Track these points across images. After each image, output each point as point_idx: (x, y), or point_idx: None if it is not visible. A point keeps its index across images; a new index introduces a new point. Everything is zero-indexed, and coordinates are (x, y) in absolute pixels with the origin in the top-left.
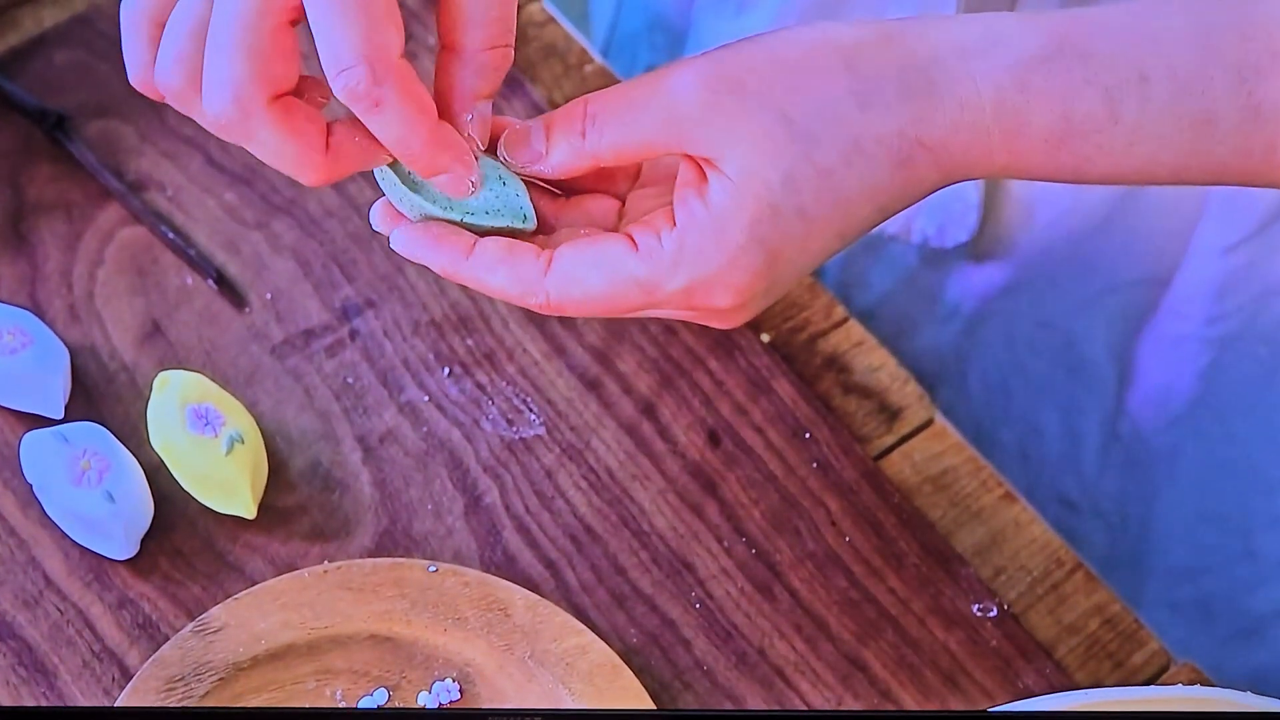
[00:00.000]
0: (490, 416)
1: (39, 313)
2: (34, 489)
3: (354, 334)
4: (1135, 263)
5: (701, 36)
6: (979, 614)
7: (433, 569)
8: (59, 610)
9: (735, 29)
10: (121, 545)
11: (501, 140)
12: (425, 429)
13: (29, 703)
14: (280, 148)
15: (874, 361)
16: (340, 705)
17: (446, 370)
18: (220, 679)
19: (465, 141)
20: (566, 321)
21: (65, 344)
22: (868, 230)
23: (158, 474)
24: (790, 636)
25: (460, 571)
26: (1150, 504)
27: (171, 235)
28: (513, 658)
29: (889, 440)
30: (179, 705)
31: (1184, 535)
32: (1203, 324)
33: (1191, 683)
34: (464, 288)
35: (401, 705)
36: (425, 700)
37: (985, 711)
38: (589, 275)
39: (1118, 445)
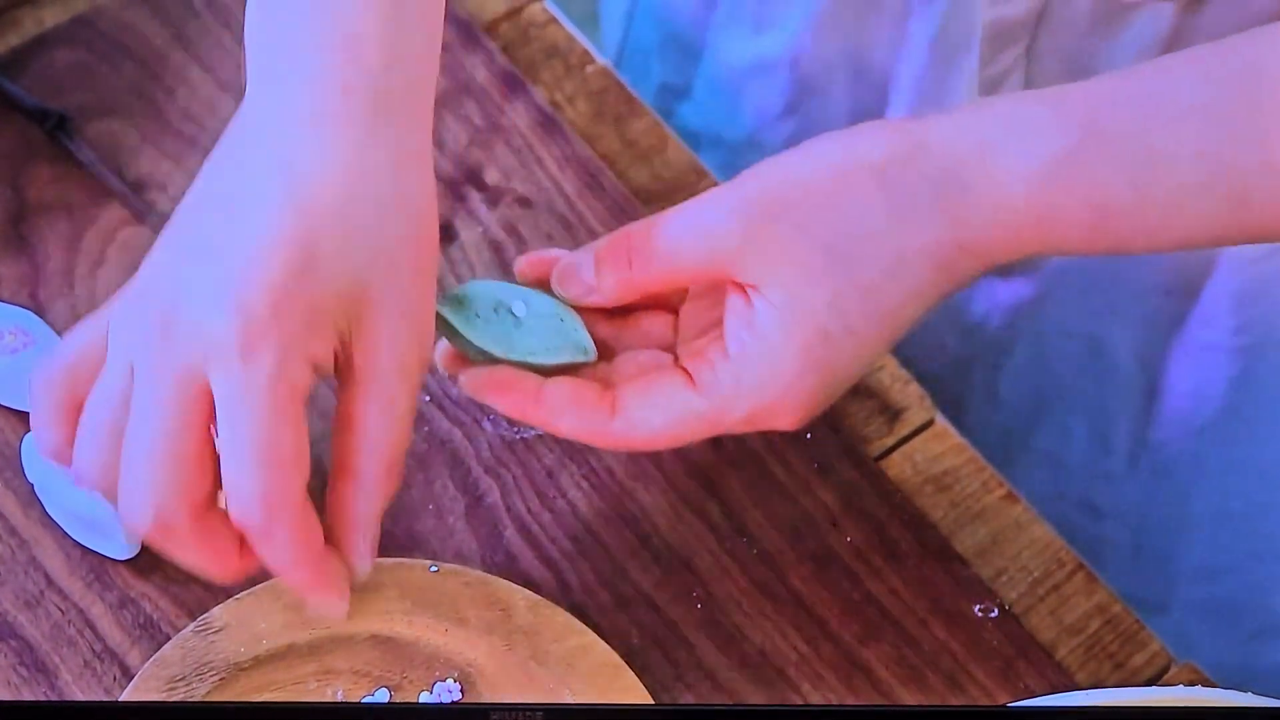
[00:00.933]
0: (491, 416)
1: (40, 313)
2: (35, 489)
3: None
4: (1163, 273)
5: (717, 55)
6: (980, 614)
7: (434, 569)
8: (60, 610)
9: (752, 49)
10: (122, 545)
11: (554, 276)
12: (426, 429)
13: None
14: (195, 558)
15: (876, 361)
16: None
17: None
18: (221, 679)
19: (344, 571)
20: None
21: None
22: (914, 325)
23: None
24: (791, 637)
25: (461, 572)
26: (1176, 507)
27: None
28: (514, 658)
29: (890, 441)
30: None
31: (1208, 537)
32: (1230, 333)
33: (1192, 683)
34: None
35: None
36: (426, 701)
37: (1005, 706)
38: (653, 416)
39: (1145, 452)
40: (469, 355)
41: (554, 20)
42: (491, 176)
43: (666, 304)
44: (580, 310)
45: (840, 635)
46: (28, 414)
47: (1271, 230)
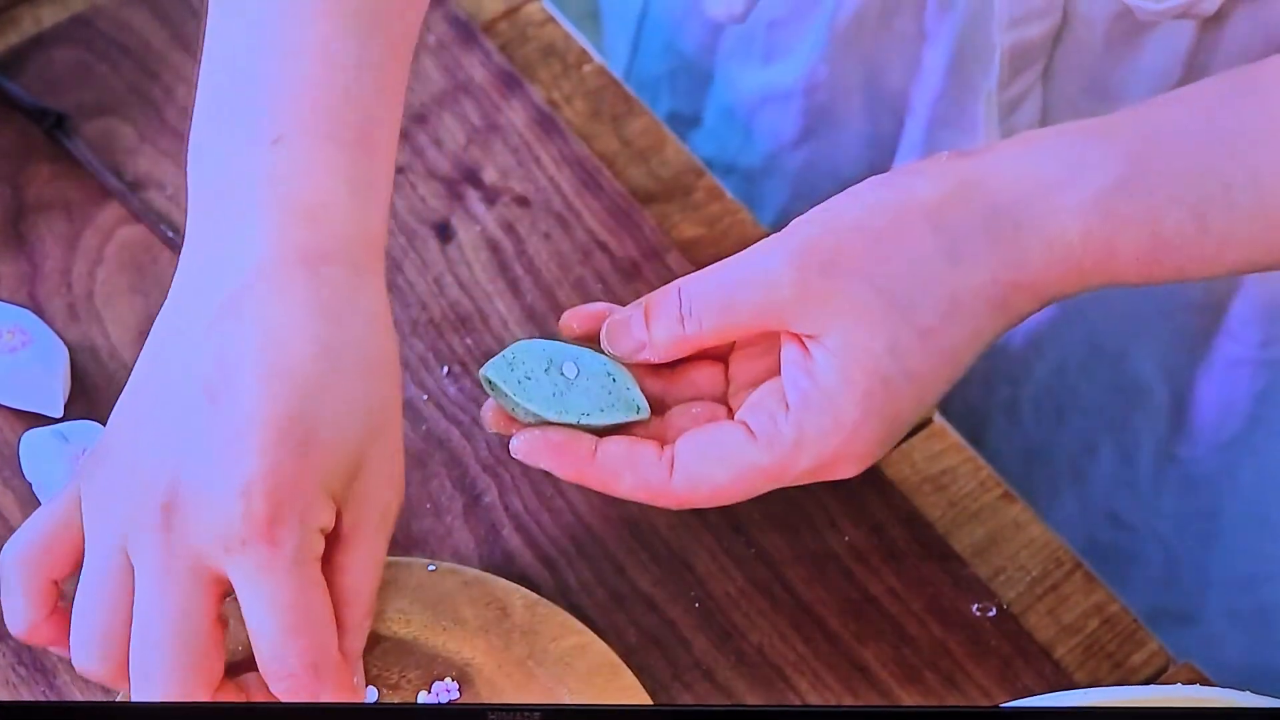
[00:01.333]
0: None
1: (39, 311)
2: (33, 488)
3: None
4: (1189, 287)
5: (728, 84)
6: (978, 614)
7: (431, 568)
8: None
9: (762, 79)
10: None
11: (603, 333)
12: (424, 428)
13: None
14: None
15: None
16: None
17: (445, 369)
18: None
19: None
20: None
21: (65, 343)
22: (972, 363)
23: None
24: (789, 636)
25: (459, 570)
26: (1208, 520)
27: (171, 234)
28: (511, 657)
29: None
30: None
31: (1243, 548)
32: (1257, 347)
33: (1190, 683)
34: (461, 286)
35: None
36: (424, 699)
37: (998, 707)
38: (714, 471)
39: (1173, 466)
40: (518, 416)
41: (552, 19)
42: (489, 175)
43: (715, 354)
44: (629, 365)
45: (838, 635)
46: (27, 413)
47: None
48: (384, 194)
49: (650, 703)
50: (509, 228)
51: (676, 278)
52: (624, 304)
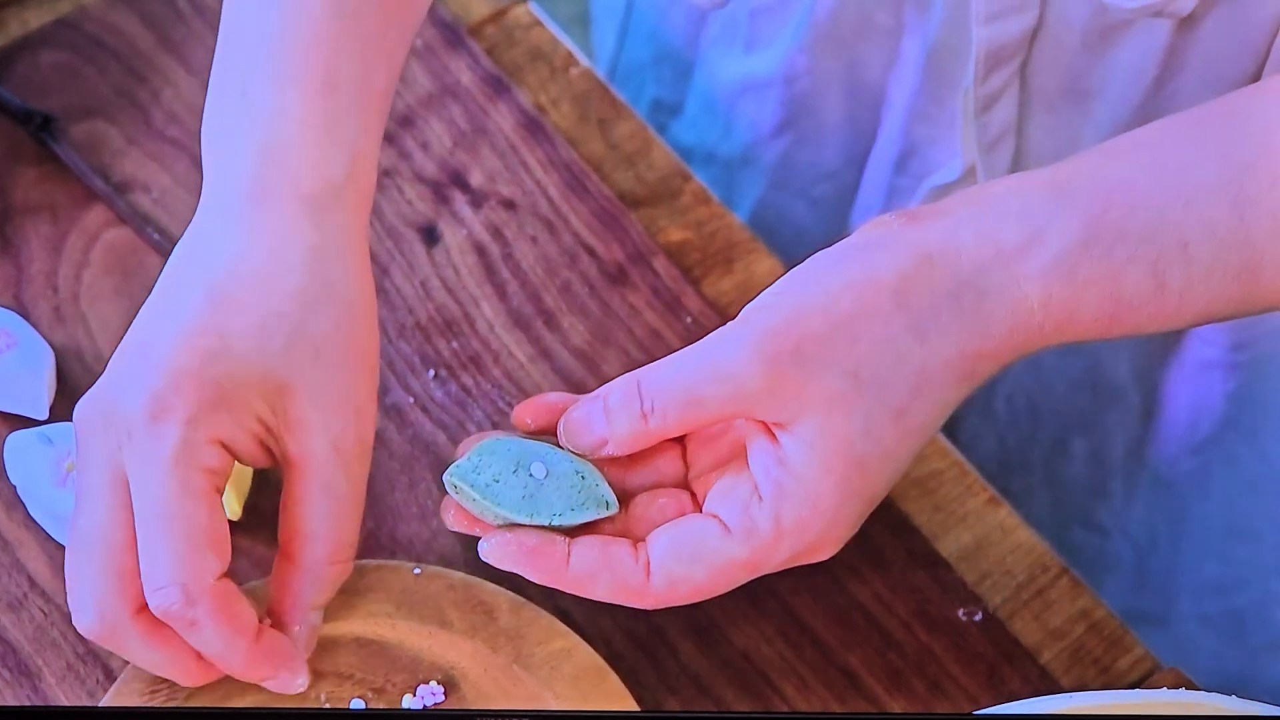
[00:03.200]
0: (475, 419)
1: (24, 314)
2: (18, 490)
3: None
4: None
5: (709, 72)
6: (964, 618)
7: (417, 571)
8: (43, 613)
9: (742, 68)
10: None
11: (561, 430)
12: (410, 431)
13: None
14: (150, 657)
15: None
16: (325, 708)
17: (432, 373)
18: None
19: (291, 646)
20: (552, 325)
21: (50, 345)
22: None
23: None
24: (776, 641)
25: (445, 574)
26: (1179, 523)
27: (157, 237)
28: (497, 661)
29: None
30: (163, 706)
31: (1214, 552)
32: (1228, 350)
33: (1176, 687)
34: (448, 289)
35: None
36: (410, 704)
37: (970, 714)
38: (692, 571)
39: (1145, 468)
40: (485, 518)
41: (539, 23)
42: (476, 179)
43: (674, 439)
44: (593, 459)
45: (825, 640)
46: (12, 415)
47: (1275, 301)
48: (354, 137)
49: (636, 708)
50: (496, 231)
51: (664, 281)
52: (612, 309)
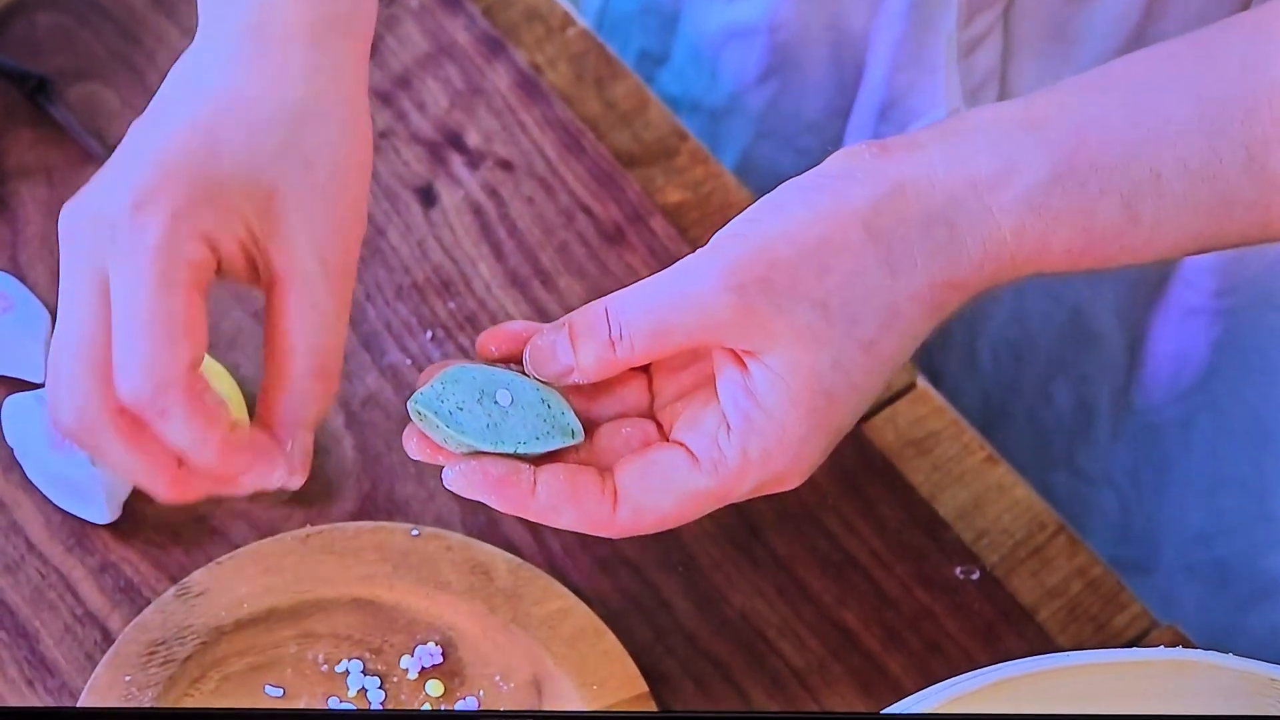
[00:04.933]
0: None
1: (20, 276)
2: (15, 453)
3: None
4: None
5: (694, 21)
6: (961, 577)
7: (415, 533)
8: (40, 574)
9: (727, 16)
10: (103, 509)
11: (527, 358)
12: (407, 392)
13: (10, 668)
14: (127, 461)
15: None
16: (322, 669)
17: (429, 334)
18: (202, 643)
19: (269, 440)
20: (549, 285)
21: (46, 308)
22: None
23: None
24: (773, 600)
25: (443, 535)
26: (1164, 471)
27: None
28: (495, 621)
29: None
30: (161, 668)
31: (1199, 500)
32: (1212, 296)
33: (1173, 644)
34: (444, 250)
35: (384, 669)
36: (407, 664)
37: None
38: (659, 500)
39: (1130, 416)
40: (449, 447)
41: None
42: (472, 139)
43: (639, 367)
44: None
45: (821, 598)
46: (9, 377)
47: (1249, 234)
48: None
49: (633, 667)
50: (492, 192)
51: (661, 241)
52: (609, 269)
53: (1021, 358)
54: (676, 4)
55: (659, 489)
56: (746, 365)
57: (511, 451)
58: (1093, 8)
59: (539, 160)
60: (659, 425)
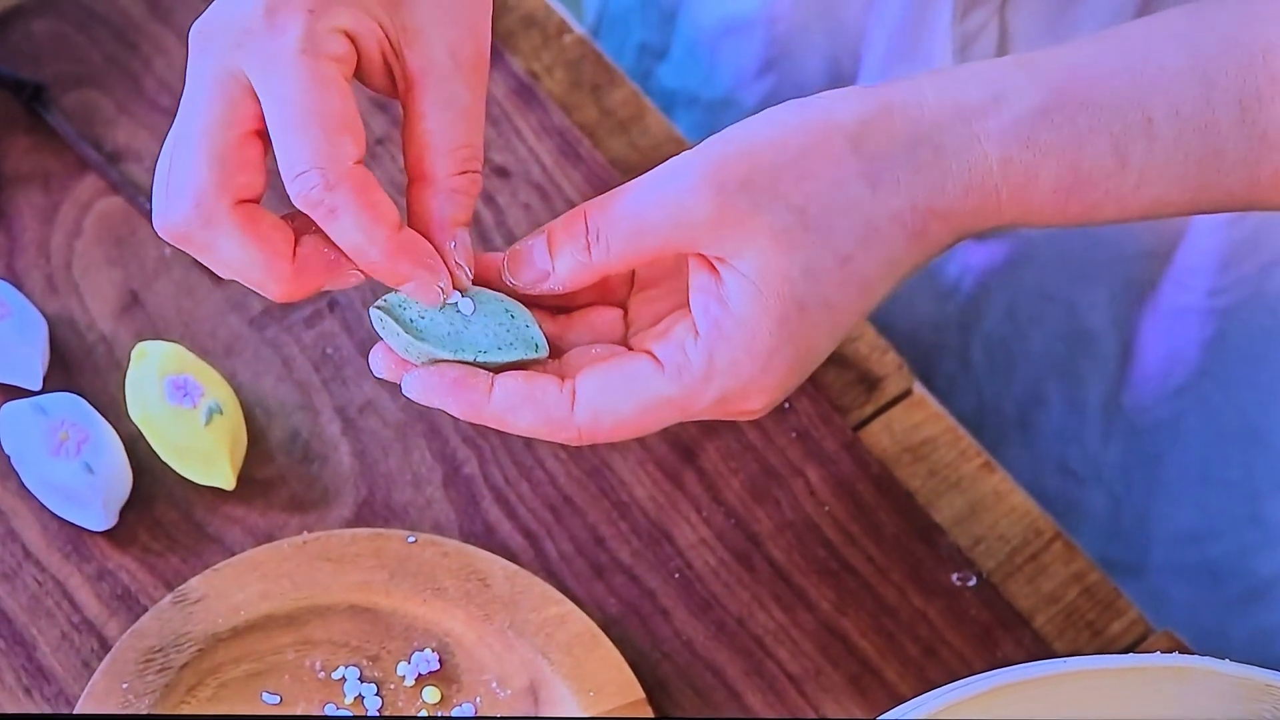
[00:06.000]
0: None
1: (17, 283)
2: (11, 460)
3: (333, 304)
4: (1137, 236)
5: (693, 14)
6: (958, 583)
7: (412, 539)
8: (37, 582)
9: (725, 8)
10: (100, 516)
11: (504, 262)
12: (404, 400)
13: (7, 675)
14: (243, 254)
15: (853, 331)
16: (320, 676)
17: None
18: (199, 650)
19: (431, 249)
20: None
21: (43, 315)
22: (888, 296)
23: (136, 445)
24: (769, 606)
25: (439, 542)
26: (1154, 471)
27: (149, 206)
28: (492, 628)
29: (868, 410)
30: (158, 675)
31: (1190, 501)
32: (1204, 295)
33: (1169, 650)
34: None
35: (381, 676)
36: (404, 670)
37: None
38: (619, 403)
39: (1120, 415)
40: (409, 357)
41: None
42: None
43: (611, 295)
44: (527, 306)
45: (818, 604)
46: (5, 385)
47: (1236, 193)
48: None
49: (630, 673)
50: (489, 199)
51: None
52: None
53: (1014, 360)
54: None
55: (619, 392)
56: (720, 273)
57: (472, 359)
58: (1087, 4)
59: (535, 167)
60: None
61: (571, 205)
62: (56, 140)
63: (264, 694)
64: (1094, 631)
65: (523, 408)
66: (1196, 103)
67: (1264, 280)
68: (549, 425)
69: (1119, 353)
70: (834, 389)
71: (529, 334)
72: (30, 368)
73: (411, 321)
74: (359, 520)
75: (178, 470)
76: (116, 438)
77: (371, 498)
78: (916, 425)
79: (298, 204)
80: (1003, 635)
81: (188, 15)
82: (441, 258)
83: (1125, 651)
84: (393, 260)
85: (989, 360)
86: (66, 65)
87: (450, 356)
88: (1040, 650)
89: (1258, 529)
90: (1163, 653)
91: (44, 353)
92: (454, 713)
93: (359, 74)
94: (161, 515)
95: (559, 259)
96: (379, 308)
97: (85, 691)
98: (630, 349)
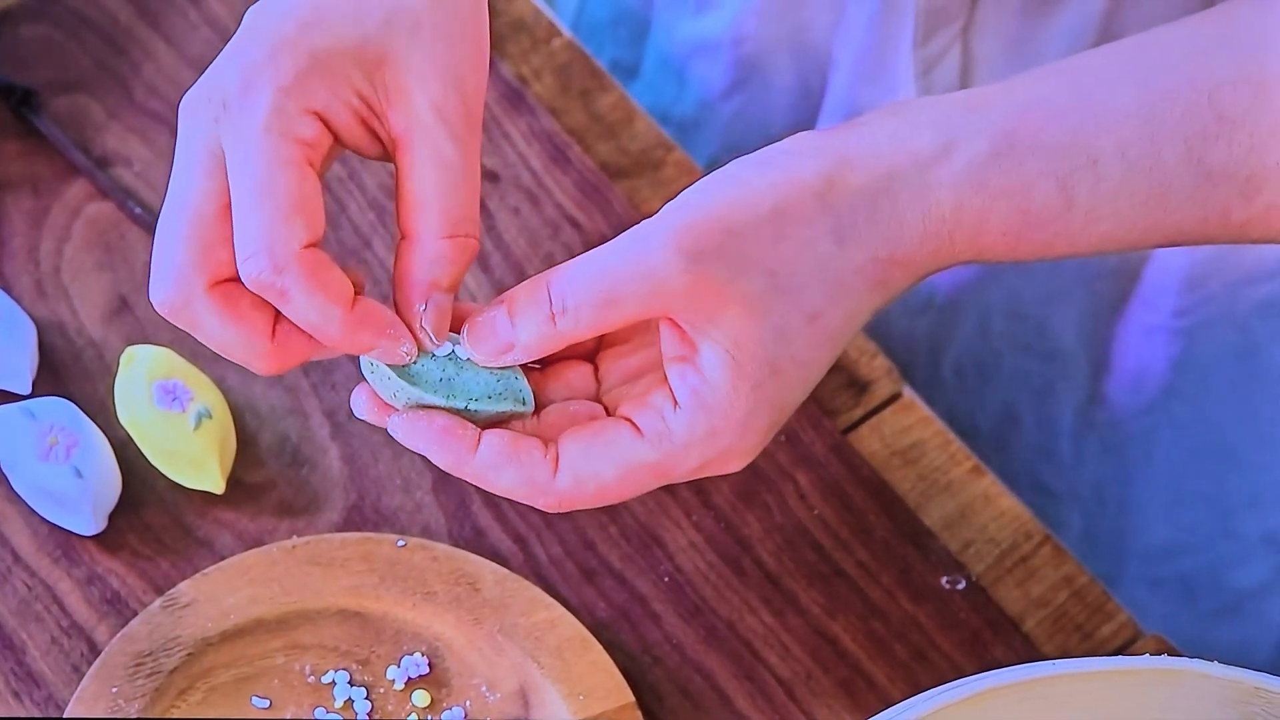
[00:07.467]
0: None
1: (6, 288)
2: (1, 465)
3: None
4: (1105, 255)
5: (662, 34)
6: (948, 587)
7: (401, 544)
8: (27, 586)
9: (694, 28)
10: (89, 521)
11: (464, 334)
12: None
13: None
14: (223, 333)
15: None
16: (309, 680)
17: None
18: (189, 654)
19: (391, 313)
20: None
21: (32, 319)
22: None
23: (125, 450)
24: (759, 610)
25: (429, 546)
26: (1127, 486)
27: (138, 211)
28: (482, 632)
29: (858, 413)
30: (148, 679)
31: (1163, 515)
32: (1171, 315)
33: (1159, 653)
34: None
35: (371, 680)
36: (394, 674)
37: None
38: (601, 470)
39: (1093, 432)
40: (396, 402)
41: None
42: None
43: (581, 350)
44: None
45: (808, 608)
46: None
47: (1187, 231)
48: None
49: (620, 677)
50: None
51: None
52: None
53: (985, 374)
54: (647, 16)
55: (602, 457)
56: (694, 341)
57: (462, 407)
58: (1049, 26)
59: (525, 172)
60: (606, 410)
61: (561, 209)
62: (46, 145)
63: (253, 698)
64: (1084, 634)
65: (505, 468)
66: (1142, 142)
67: (1232, 299)
68: (529, 488)
69: (1090, 370)
70: (823, 393)
71: (517, 386)
72: (19, 372)
73: (402, 367)
74: (349, 524)
75: (167, 475)
76: (106, 442)
77: (361, 502)
78: (906, 429)
79: (248, 286)
80: (992, 638)
81: (177, 20)
82: (407, 322)
83: (1115, 654)
84: (351, 334)
85: (960, 379)
86: (56, 70)
87: (441, 403)
88: (1030, 653)
89: (1232, 543)
90: (1152, 655)
91: (33, 357)
92: (444, 717)
93: (347, 144)
94: (151, 520)
95: (522, 330)
96: (369, 357)
97: (75, 696)
98: (605, 407)
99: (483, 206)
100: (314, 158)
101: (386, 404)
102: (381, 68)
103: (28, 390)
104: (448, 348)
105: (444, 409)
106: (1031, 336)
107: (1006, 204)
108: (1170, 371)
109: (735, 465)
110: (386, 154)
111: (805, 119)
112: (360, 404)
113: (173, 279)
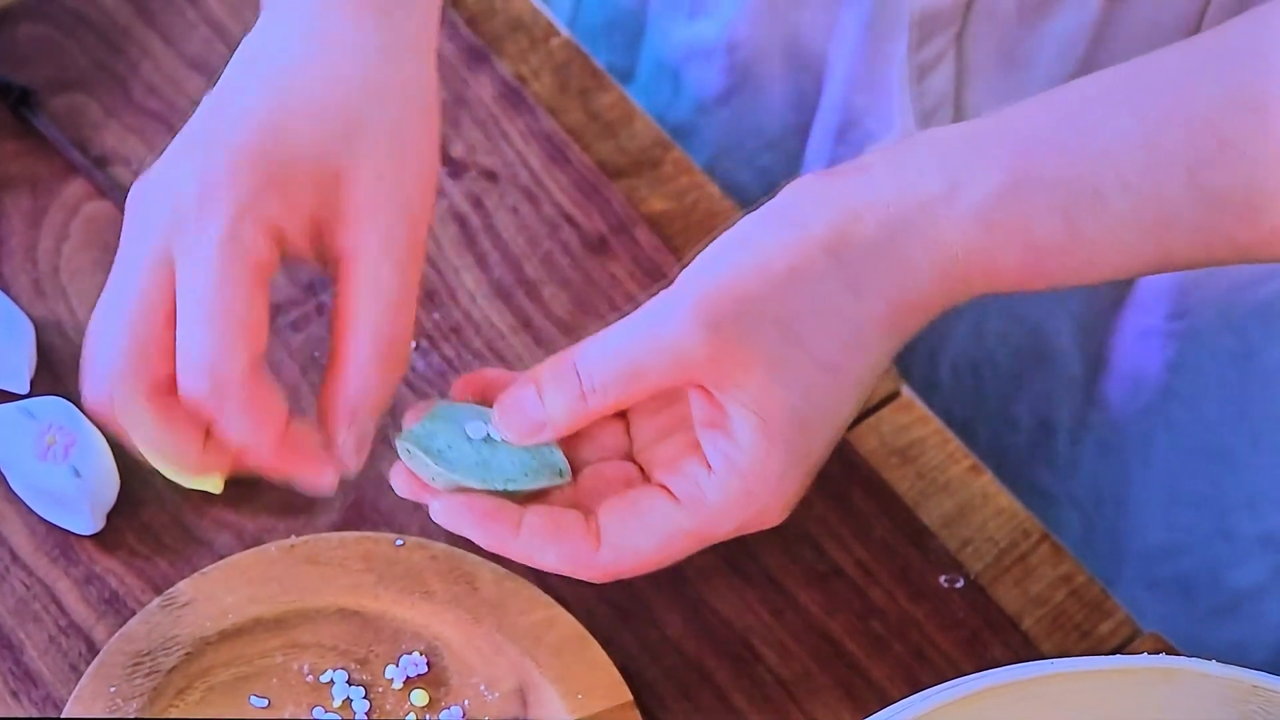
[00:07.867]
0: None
1: (4, 287)
2: None
3: (321, 308)
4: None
5: (656, 39)
6: (946, 585)
7: (400, 543)
8: (25, 586)
9: (688, 33)
10: (87, 520)
11: (495, 417)
12: (393, 404)
13: None
14: (155, 439)
15: None
16: (308, 680)
17: (414, 344)
18: (187, 653)
19: (319, 444)
20: (534, 296)
21: (30, 319)
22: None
23: (124, 449)
24: (757, 608)
25: (427, 545)
26: (1124, 488)
27: None
28: (480, 631)
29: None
30: (146, 679)
31: (1160, 517)
32: (1165, 319)
33: (1157, 652)
34: (429, 260)
35: (369, 679)
36: (392, 673)
37: None
38: (640, 541)
39: (1089, 434)
40: (436, 485)
41: None
42: (457, 150)
43: (612, 410)
44: None
45: (806, 606)
46: None
47: (1195, 257)
48: None
49: (618, 676)
50: (476, 202)
51: (645, 251)
52: (594, 279)
53: (982, 377)
54: (641, 21)
55: (641, 529)
56: (723, 406)
57: (501, 488)
58: (1042, 33)
59: (523, 171)
60: (640, 468)
61: (559, 208)
62: (44, 144)
63: (252, 697)
64: (1082, 633)
65: (548, 547)
66: (1145, 172)
67: (1227, 302)
68: (573, 564)
69: (1086, 373)
70: None
71: (553, 459)
72: (17, 371)
73: (440, 452)
74: (347, 524)
75: (165, 474)
76: (104, 441)
77: (359, 501)
78: (904, 427)
79: (185, 401)
80: (991, 637)
81: (175, 19)
82: (331, 435)
83: (1113, 653)
84: (277, 460)
85: (957, 379)
86: (53, 69)
87: (479, 486)
88: (1028, 652)
89: (1228, 544)
90: (1150, 654)
91: (31, 356)
92: (442, 716)
93: (289, 256)
94: (149, 519)
95: (552, 408)
96: (405, 443)
97: (73, 695)
98: (640, 468)
99: (481, 205)
100: (265, 276)
101: (425, 484)
102: (337, 188)
103: (26, 389)
104: (482, 430)
105: (481, 491)
106: (1027, 339)
107: (1014, 240)
108: (1166, 374)
109: (773, 521)
110: (326, 265)
111: (800, 124)
112: (400, 484)
113: (108, 384)
